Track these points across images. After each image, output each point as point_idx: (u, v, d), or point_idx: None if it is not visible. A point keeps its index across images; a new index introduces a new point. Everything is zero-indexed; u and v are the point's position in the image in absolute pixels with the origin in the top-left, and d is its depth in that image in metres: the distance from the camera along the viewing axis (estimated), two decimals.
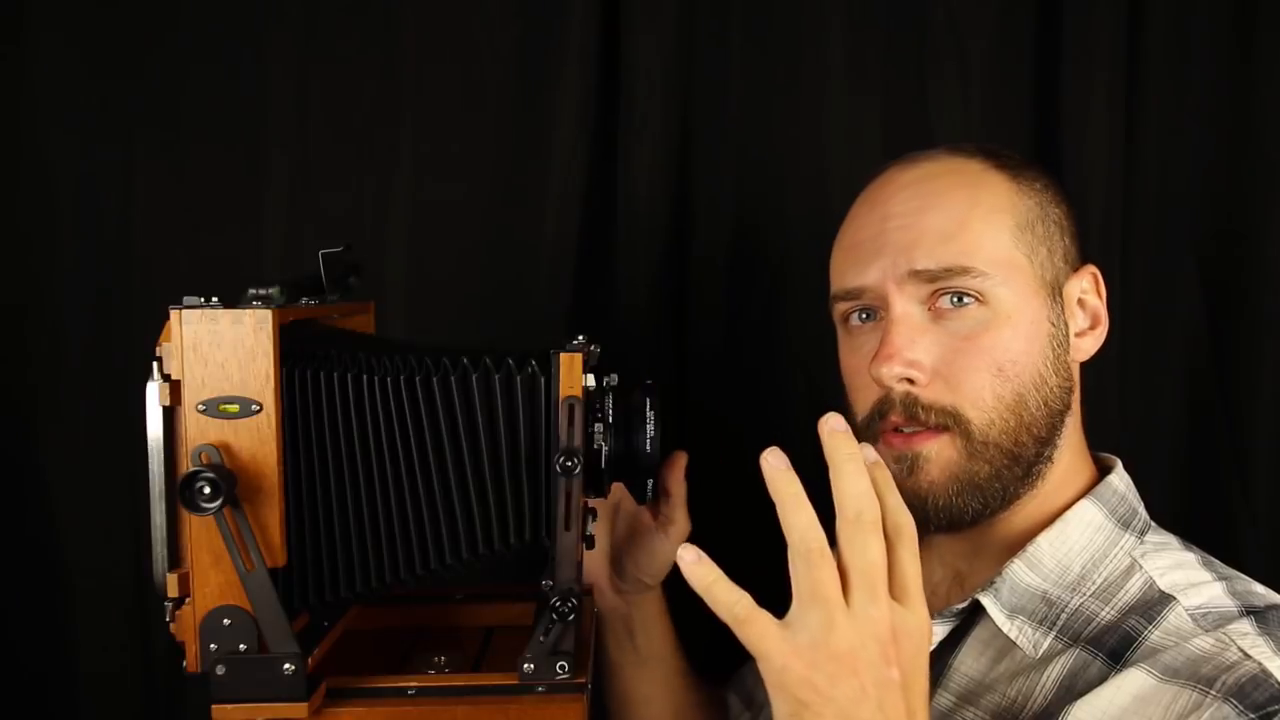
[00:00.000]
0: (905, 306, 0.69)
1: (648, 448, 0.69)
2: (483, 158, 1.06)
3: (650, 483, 0.70)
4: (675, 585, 0.86)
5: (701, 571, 0.56)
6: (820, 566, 0.54)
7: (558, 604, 0.67)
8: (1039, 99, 1.04)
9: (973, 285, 0.68)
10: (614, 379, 0.69)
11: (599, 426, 0.68)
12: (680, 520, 0.84)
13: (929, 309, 0.69)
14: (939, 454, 0.69)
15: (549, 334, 1.02)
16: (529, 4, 1.05)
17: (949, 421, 0.68)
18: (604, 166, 1.06)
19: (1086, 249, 0.97)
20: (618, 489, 0.85)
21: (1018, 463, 0.69)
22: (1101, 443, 0.77)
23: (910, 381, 0.68)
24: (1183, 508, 1.04)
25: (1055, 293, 0.71)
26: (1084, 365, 1.00)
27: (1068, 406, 0.72)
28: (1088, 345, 0.74)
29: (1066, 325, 0.72)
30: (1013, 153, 0.76)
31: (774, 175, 1.06)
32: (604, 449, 0.68)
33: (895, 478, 0.68)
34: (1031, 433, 0.69)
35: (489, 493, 0.68)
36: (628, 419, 0.69)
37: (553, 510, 0.67)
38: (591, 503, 0.72)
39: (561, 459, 0.65)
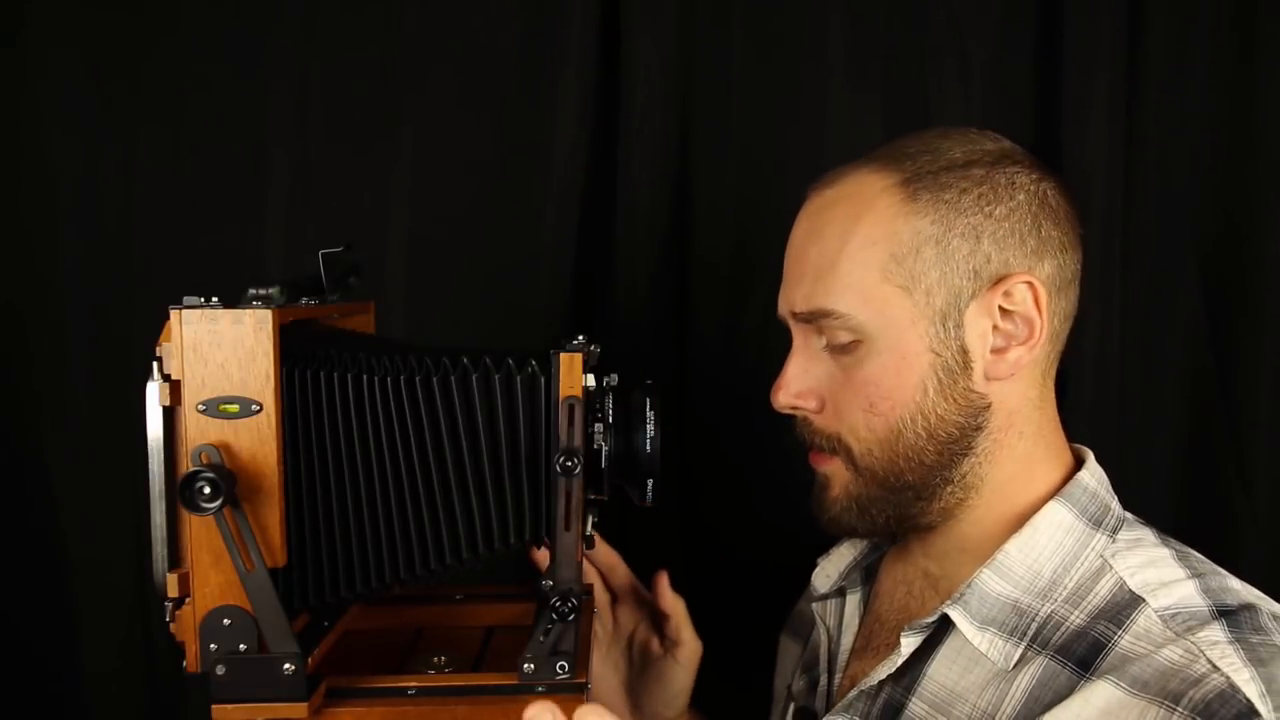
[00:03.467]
0: (803, 338, 0.72)
1: (648, 448, 0.69)
2: (483, 157, 1.06)
3: (650, 483, 0.70)
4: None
5: None
6: None
7: (558, 604, 0.67)
8: (1039, 99, 1.04)
9: (836, 326, 0.68)
10: (614, 379, 0.69)
11: (599, 426, 0.68)
12: (688, 640, 0.85)
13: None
14: (836, 475, 0.72)
15: (549, 334, 1.02)
16: (529, 4, 1.05)
17: (836, 447, 0.71)
18: (604, 166, 1.06)
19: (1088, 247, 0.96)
20: (622, 618, 0.87)
21: (903, 489, 0.69)
22: (1102, 443, 0.76)
23: (805, 407, 0.71)
24: (1183, 507, 1.04)
25: (947, 317, 0.67)
26: (1084, 364, 1.01)
27: (978, 428, 0.68)
28: (1017, 356, 0.68)
29: (965, 349, 0.67)
30: (965, 146, 0.69)
31: (774, 175, 1.06)
32: (604, 449, 0.68)
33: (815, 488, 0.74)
34: (915, 461, 0.68)
35: (489, 493, 0.68)
36: (628, 419, 0.69)
37: (553, 510, 0.67)
38: (596, 637, 0.75)
39: (561, 459, 0.65)
